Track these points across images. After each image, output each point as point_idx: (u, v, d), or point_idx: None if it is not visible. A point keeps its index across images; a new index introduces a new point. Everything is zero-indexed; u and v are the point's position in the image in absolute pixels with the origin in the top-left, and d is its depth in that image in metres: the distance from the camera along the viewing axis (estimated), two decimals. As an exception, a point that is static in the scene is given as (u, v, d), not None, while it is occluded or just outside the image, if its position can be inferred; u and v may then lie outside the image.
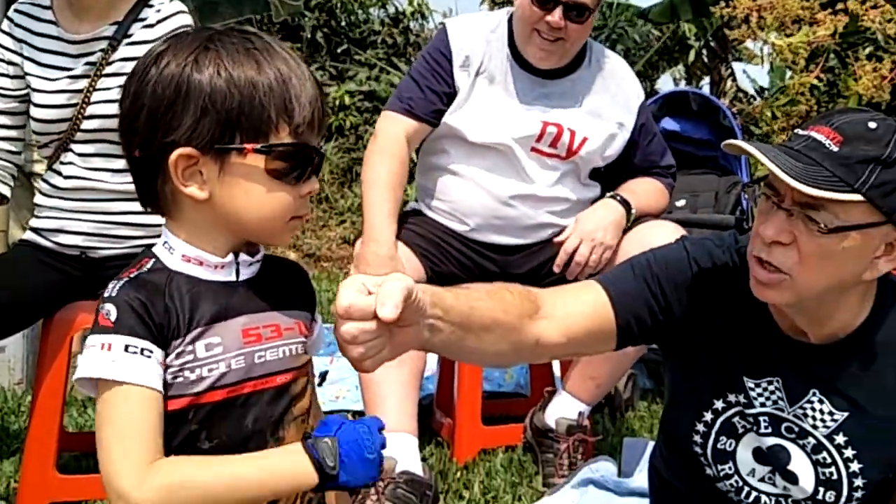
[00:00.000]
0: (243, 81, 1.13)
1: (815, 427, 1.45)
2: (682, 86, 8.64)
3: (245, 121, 1.13)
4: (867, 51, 4.52)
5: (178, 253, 1.18)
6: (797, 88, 4.25)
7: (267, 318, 1.21)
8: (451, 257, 2.50)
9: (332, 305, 4.31)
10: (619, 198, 2.48)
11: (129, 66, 2.09)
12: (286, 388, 1.22)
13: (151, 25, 2.13)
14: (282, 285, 1.25)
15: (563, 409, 2.51)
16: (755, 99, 7.27)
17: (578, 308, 1.43)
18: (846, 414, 1.44)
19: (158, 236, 2.13)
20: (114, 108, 2.08)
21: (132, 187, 2.09)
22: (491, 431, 2.62)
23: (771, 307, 1.44)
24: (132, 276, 1.16)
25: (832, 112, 1.36)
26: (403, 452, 2.20)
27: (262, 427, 1.19)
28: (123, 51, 2.11)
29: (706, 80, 8.39)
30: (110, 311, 1.12)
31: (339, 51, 7.26)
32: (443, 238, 2.50)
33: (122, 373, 1.10)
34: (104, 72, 2.10)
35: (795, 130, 1.36)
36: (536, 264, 2.52)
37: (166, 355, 1.14)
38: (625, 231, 2.47)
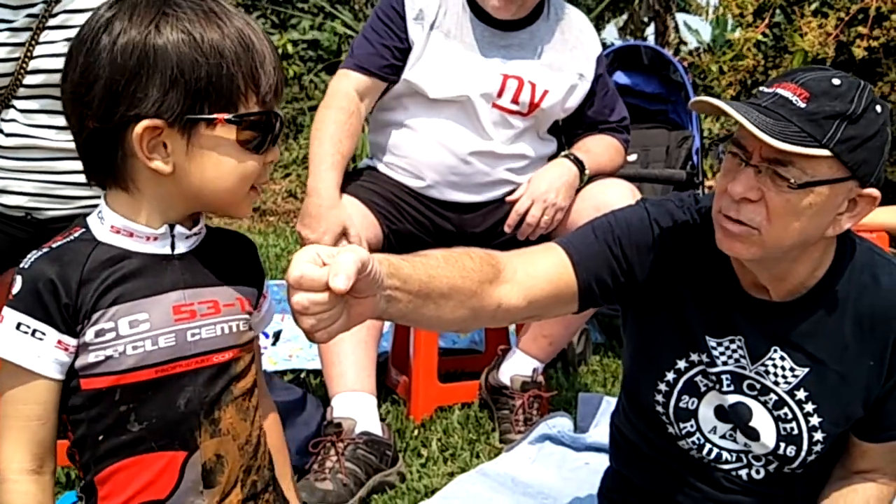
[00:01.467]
0: (209, 49, 1.08)
1: (776, 383, 1.48)
2: (627, 37, 8.63)
3: (213, 91, 1.08)
4: (813, 6, 4.55)
5: (107, 223, 1.14)
6: (742, 44, 4.26)
7: (204, 294, 1.17)
8: (407, 215, 2.47)
9: (279, 261, 4.27)
10: (572, 157, 2.46)
11: (75, 18, 2.00)
12: (225, 368, 1.18)
13: None
14: (225, 259, 1.21)
15: (518, 366, 2.53)
16: (698, 52, 7.29)
17: (540, 271, 1.43)
18: (807, 369, 1.47)
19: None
20: (59, 63, 1.98)
21: (78, 145, 2.07)
22: (447, 389, 2.63)
23: (734, 264, 1.46)
24: (53, 246, 1.12)
25: (795, 70, 1.38)
26: (362, 412, 2.19)
27: (196, 408, 1.15)
28: (67, 1, 2.01)
29: (651, 30, 8.39)
30: (16, 282, 1.09)
31: (280, -1, 7.08)
32: (399, 195, 2.47)
33: (7, 351, 1.08)
34: (47, 24, 2.00)
35: (760, 88, 1.38)
36: (493, 223, 2.51)
37: (79, 334, 1.10)
38: (578, 189, 2.47)
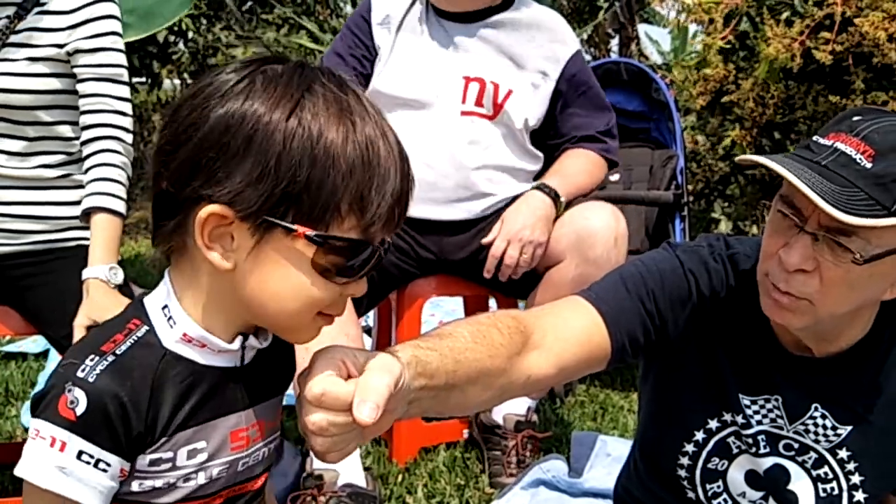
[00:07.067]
0: (322, 151, 0.88)
1: (817, 441, 1.36)
2: (591, 48, 8.56)
3: (307, 199, 0.88)
4: (785, 15, 4.48)
5: (178, 328, 0.94)
6: (705, 50, 4.17)
7: (255, 415, 1.00)
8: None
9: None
10: (544, 187, 2.27)
11: (38, 37, 1.85)
12: (256, 495, 1.04)
13: None
14: (275, 364, 1.03)
15: (511, 404, 2.38)
16: (667, 66, 7.22)
17: (570, 333, 1.28)
18: (849, 427, 1.35)
19: (64, 230, 1.93)
20: (17, 82, 1.84)
21: (33, 172, 1.90)
22: (432, 428, 2.47)
23: (773, 323, 1.32)
24: (118, 353, 0.91)
25: (849, 115, 1.21)
26: (345, 462, 2.02)
27: None
28: (33, 19, 1.85)
29: (615, 41, 8.33)
30: (78, 401, 0.87)
31: (244, 8, 6.91)
32: None
33: (65, 486, 0.88)
34: (9, 41, 1.83)
35: (814, 138, 1.22)
36: (474, 250, 2.34)
37: (136, 459, 0.92)
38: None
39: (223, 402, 0.96)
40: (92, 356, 0.90)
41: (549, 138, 2.42)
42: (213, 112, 0.88)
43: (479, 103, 2.28)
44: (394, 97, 2.27)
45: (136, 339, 0.93)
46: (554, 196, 2.26)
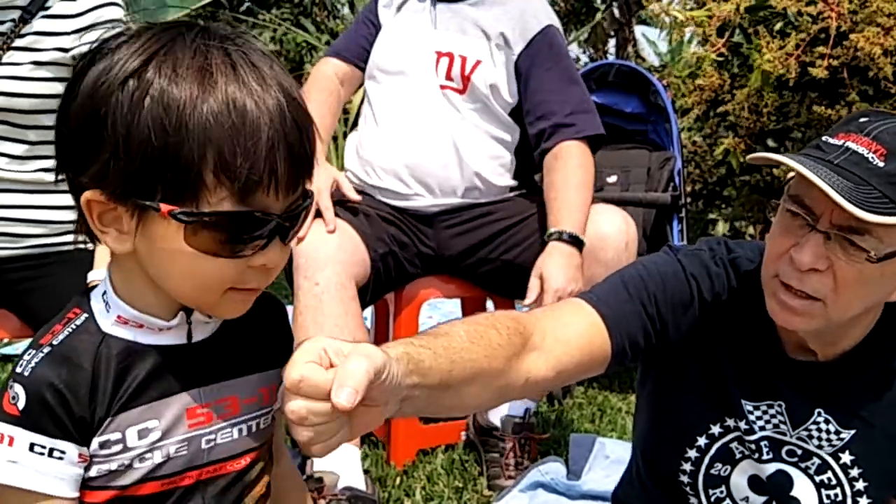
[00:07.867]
0: (174, 117, 0.81)
1: (819, 447, 1.36)
2: (589, 49, 8.56)
3: (171, 173, 0.83)
4: (778, 26, 4.47)
5: (113, 312, 0.93)
6: (698, 63, 4.16)
7: (222, 391, 0.97)
8: (388, 236, 2.31)
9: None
10: (566, 236, 2.19)
11: (43, 41, 1.85)
12: (240, 476, 1.00)
13: None
14: (250, 339, 1.00)
15: (509, 407, 2.38)
16: (655, 67, 7.19)
17: (571, 335, 1.27)
18: (853, 431, 1.35)
19: (63, 234, 1.93)
20: (20, 86, 1.84)
21: (33, 176, 1.90)
22: (429, 430, 2.47)
23: (778, 328, 1.32)
24: (54, 343, 0.91)
25: (856, 116, 1.22)
26: (345, 466, 2.02)
27: None
28: (38, 24, 1.85)
29: (612, 42, 8.33)
30: (18, 395, 0.88)
31: (241, 10, 6.90)
32: (376, 208, 2.35)
33: (23, 478, 0.88)
34: (13, 44, 1.83)
35: (823, 138, 1.22)
36: (471, 244, 2.35)
37: (90, 443, 0.92)
38: None
39: (174, 380, 0.94)
40: (30, 351, 0.91)
41: (522, 117, 2.40)
42: (80, 87, 0.86)
43: (448, 77, 2.36)
44: (377, 65, 2.44)
45: (74, 327, 0.93)
46: (575, 241, 2.20)
